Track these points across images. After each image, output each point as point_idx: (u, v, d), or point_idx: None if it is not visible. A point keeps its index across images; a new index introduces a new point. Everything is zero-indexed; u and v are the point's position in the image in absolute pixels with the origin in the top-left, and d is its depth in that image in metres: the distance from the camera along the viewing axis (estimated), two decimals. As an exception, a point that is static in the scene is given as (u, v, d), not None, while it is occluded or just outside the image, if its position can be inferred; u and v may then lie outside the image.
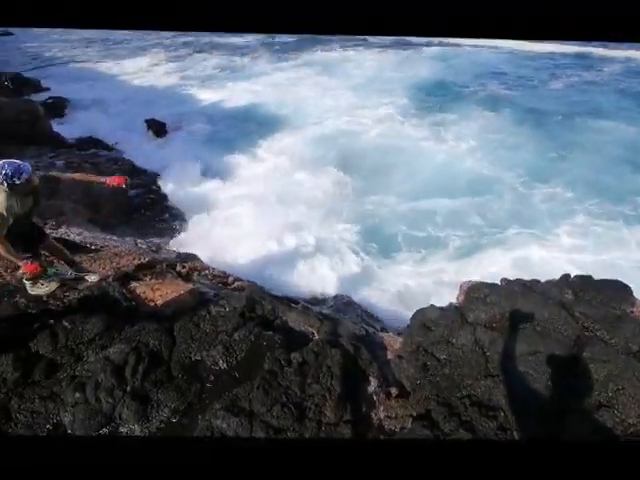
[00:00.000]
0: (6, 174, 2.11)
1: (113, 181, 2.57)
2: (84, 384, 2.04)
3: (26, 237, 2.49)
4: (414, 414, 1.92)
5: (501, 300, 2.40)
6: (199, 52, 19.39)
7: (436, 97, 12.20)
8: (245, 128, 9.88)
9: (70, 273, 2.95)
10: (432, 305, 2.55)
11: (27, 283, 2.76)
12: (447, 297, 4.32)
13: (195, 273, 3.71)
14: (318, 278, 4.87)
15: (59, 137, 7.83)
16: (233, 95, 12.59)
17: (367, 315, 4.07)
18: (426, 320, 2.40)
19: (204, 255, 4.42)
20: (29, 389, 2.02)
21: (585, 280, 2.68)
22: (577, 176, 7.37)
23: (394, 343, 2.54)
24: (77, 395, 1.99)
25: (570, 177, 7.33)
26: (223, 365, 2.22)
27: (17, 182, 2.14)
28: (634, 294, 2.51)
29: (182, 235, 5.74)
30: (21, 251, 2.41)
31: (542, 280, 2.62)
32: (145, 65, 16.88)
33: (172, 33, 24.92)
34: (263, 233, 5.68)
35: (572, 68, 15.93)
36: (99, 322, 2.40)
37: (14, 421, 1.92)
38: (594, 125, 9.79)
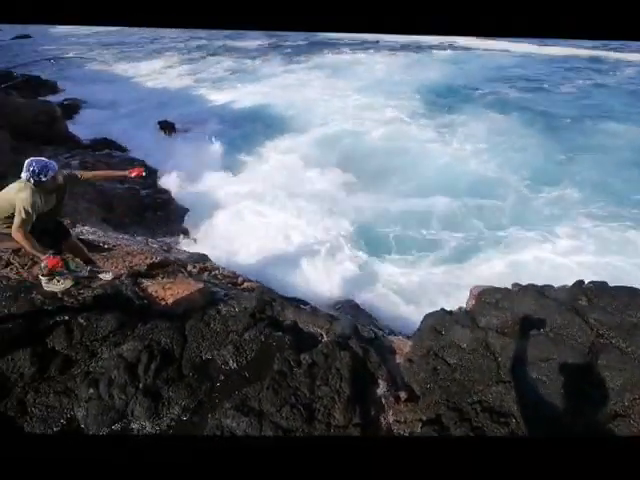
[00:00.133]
0: (33, 171, 2.19)
1: (133, 172, 2.70)
2: (98, 380, 2.08)
3: (50, 234, 2.56)
4: (424, 419, 1.91)
5: (513, 305, 2.37)
6: (212, 55, 19.76)
7: (445, 99, 12.17)
8: (254, 128, 10.03)
9: (85, 271, 3.03)
10: (442, 309, 2.53)
11: (43, 279, 2.83)
12: (447, 299, 4.38)
13: (205, 273, 3.76)
14: (321, 279, 4.89)
15: (74, 138, 8.03)
16: (243, 96, 12.80)
17: (374, 317, 4.06)
18: (436, 324, 2.38)
19: (212, 254, 4.48)
20: (44, 384, 2.07)
21: (599, 286, 2.63)
22: (584, 179, 7.29)
23: (403, 346, 2.53)
24: (91, 391, 2.03)
25: (577, 180, 7.26)
26: (233, 365, 2.24)
27: (43, 179, 2.21)
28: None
29: (191, 234, 5.83)
30: (46, 247, 2.48)
31: (554, 285, 2.58)
32: (159, 67, 17.31)
33: (186, 36, 25.46)
34: (267, 232, 5.76)
35: (585, 71, 15.71)
36: (113, 319, 2.45)
37: (29, 415, 1.97)
38: (605, 128, 9.67)
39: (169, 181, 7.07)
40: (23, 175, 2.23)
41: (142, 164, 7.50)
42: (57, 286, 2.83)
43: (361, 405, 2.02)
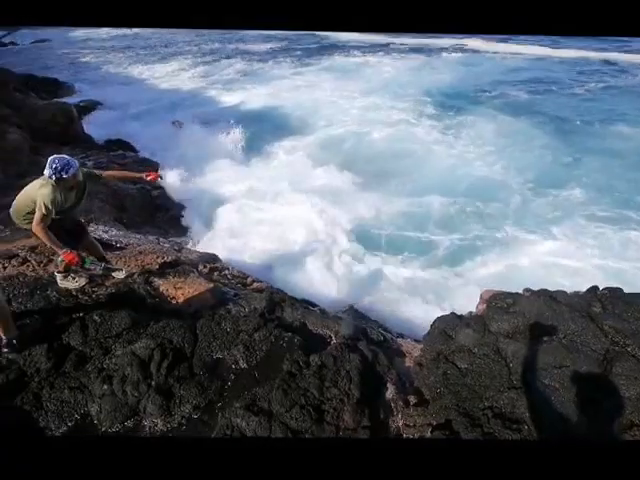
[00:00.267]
0: (55, 168, 2.26)
1: (149, 176, 2.78)
2: (111, 377, 2.12)
3: (69, 232, 2.63)
4: (434, 423, 1.89)
5: (525, 310, 2.33)
6: (224, 58, 20.10)
7: (453, 102, 12.14)
8: (262, 128, 10.19)
9: (100, 268, 3.10)
10: (452, 313, 2.51)
11: (58, 276, 2.91)
12: (449, 301, 4.36)
13: (215, 273, 3.80)
14: (324, 280, 4.90)
15: (90, 138, 8.23)
16: (252, 97, 13.02)
17: (381, 320, 4.04)
18: (447, 328, 2.36)
19: (220, 254, 4.53)
20: (60, 379, 2.12)
21: (614, 293, 2.57)
22: (590, 181, 7.22)
23: (412, 350, 2.51)
24: (105, 387, 2.08)
25: (583, 182, 7.19)
26: (243, 364, 2.26)
27: (64, 176, 2.28)
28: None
29: (200, 234, 5.90)
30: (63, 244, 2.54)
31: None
32: (172, 70, 17.70)
33: (199, 40, 25.96)
34: (270, 232, 5.82)
35: (597, 74, 15.45)
36: (126, 317, 2.49)
37: (44, 409, 2.02)
38: (615, 130, 9.55)
39: (177, 180, 7.19)
40: (46, 172, 2.30)
41: (154, 165, 7.65)
42: (72, 283, 2.90)
43: (370, 408, 2.02)
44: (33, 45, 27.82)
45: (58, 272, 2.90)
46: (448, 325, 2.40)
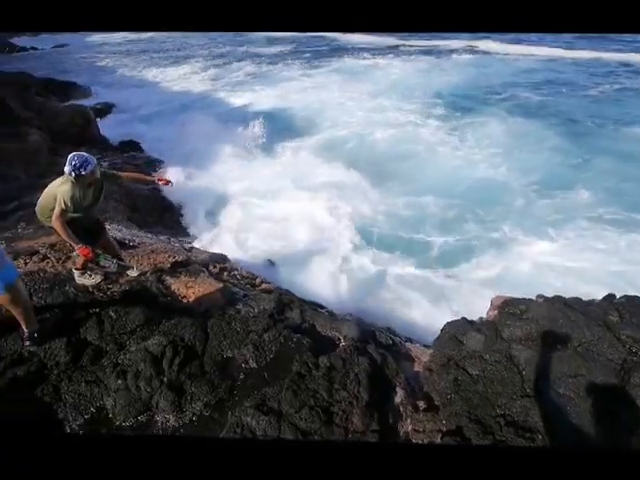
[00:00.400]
0: (74, 165, 2.35)
1: (161, 180, 2.88)
2: (126, 372, 2.18)
3: (88, 230, 2.73)
4: (444, 429, 1.88)
5: (538, 317, 2.29)
6: (235, 61, 20.46)
7: (462, 103, 12.06)
8: (269, 128, 10.29)
9: (114, 266, 3.19)
10: (463, 318, 2.49)
11: (76, 273, 3.01)
12: (452, 302, 4.32)
13: (225, 273, 3.85)
14: (328, 282, 4.92)
15: (105, 140, 8.47)
16: (261, 99, 13.22)
17: (388, 323, 4.02)
18: (457, 333, 2.34)
19: (226, 253, 4.59)
20: (77, 372, 2.19)
21: (632, 301, 2.50)
22: (599, 184, 7.05)
23: (421, 355, 2.50)
24: (119, 382, 2.13)
25: (591, 184, 7.03)
26: (253, 364, 2.28)
27: (83, 173, 2.37)
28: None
29: (206, 233, 5.98)
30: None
31: (584, 298, 2.48)
32: (184, 73, 18.14)
33: (211, 44, 26.47)
34: (275, 230, 5.87)
35: (612, 76, 15.07)
36: (140, 314, 2.56)
37: (63, 401, 2.08)
38: (628, 133, 9.32)
39: (184, 180, 7.31)
40: (66, 169, 2.39)
41: (165, 165, 7.81)
42: (88, 280, 2.99)
43: (379, 412, 2.01)
44: (53, 50, 28.87)
45: (76, 269, 3.00)
46: (458, 330, 2.38)
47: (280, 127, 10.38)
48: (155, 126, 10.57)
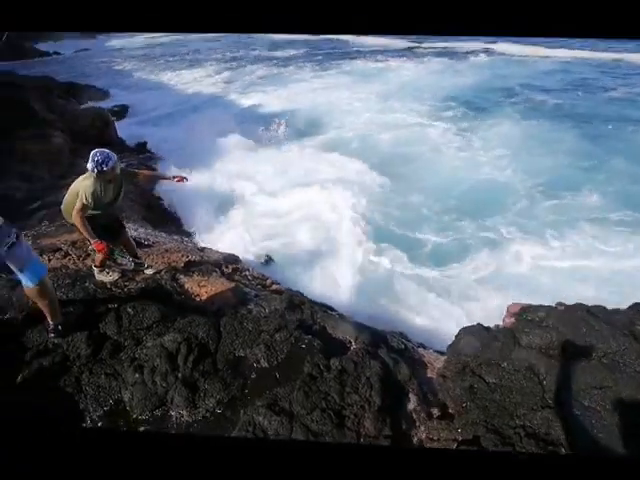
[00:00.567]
0: (97, 161, 2.44)
1: (177, 178, 2.96)
2: (142, 367, 2.24)
3: (107, 228, 2.82)
4: (459, 439, 1.84)
5: (560, 325, 2.22)
6: (249, 64, 20.82)
7: (475, 105, 11.89)
8: (277, 129, 10.39)
9: (131, 264, 3.28)
10: (479, 324, 2.44)
11: (95, 270, 3.11)
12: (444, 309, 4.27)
13: (236, 273, 3.90)
14: (334, 281, 4.91)
15: (123, 141, 8.73)
16: (271, 100, 13.39)
17: (398, 327, 3.98)
18: (473, 339, 2.30)
19: (232, 250, 4.65)
20: (97, 365, 2.26)
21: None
22: (608, 186, 6.83)
23: (434, 361, 2.46)
24: (136, 376, 2.19)
25: (599, 186, 6.80)
26: (265, 364, 2.31)
27: (105, 168, 2.46)
28: None
29: (211, 233, 6.06)
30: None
31: (608, 307, 2.38)
32: (199, 76, 18.58)
33: (225, 48, 27.02)
34: (278, 229, 5.91)
35: (635, 77, 14.55)
36: (156, 311, 2.62)
37: (83, 393, 2.16)
38: None
39: (194, 180, 7.43)
40: (88, 165, 2.49)
41: (175, 166, 7.99)
42: (106, 277, 3.09)
43: (392, 417, 1.99)
44: (75, 54, 29.99)
45: (95, 266, 3.10)
46: (474, 337, 2.33)
47: (289, 128, 10.48)
48: (167, 127, 10.87)
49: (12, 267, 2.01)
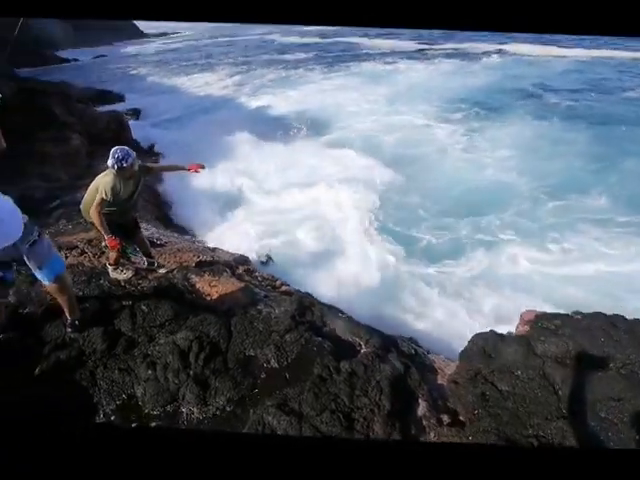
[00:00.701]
0: (117, 157, 2.52)
1: (192, 167, 3.02)
2: (155, 363, 2.28)
3: (122, 227, 2.89)
4: (470, 445, 1.80)
5: (576, 334, 2.16)
6: (259, 67, 21.15)
7: (485, 106, 11.80)
8: (285, 129, 10.51)
9: (144, 262, 3.36)
10: (492, 330, 2.40)
11: (109, 267, 3.19)
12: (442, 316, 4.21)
13: (246, 274, 3.94)
14: (339, 282, 4.89)
15: (137, 143, 8.95)
16: (279, 102, 13.58)
17: (406, 331, 3.94)
18: (486, 346, 2.26)
19: (238, 251, 4.68)
20: (111, 360, 2.31)
21: (682, 323, 2.32)
22: (618, 188, 6.65)
23: (445, 367, 2.43)
24: (149, 372, 2.23)
25: (609, 189, 6.64)
26: (275, 364, 2.32)
27: (124, 165, 2.54)
28: None
29: (213, 232, 6.11)
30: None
31: (627, 317, 2.32)
32: (211, 80, 18.91)
33: (237, 52, 27.54)
34: (281, 230, 5.92)
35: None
36: (169, 309, 2.67)
37: (98, 387, 2.21)
38: None
39: (210, 180, 7.54)
40: (109, 162, 2.58)
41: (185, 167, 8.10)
42: (120, 275, 3.17)
43: (401, 422, 1.97)
44: (92, 61, 31.05)
45: (109, 264, 3.18)
46: (487, 343, 2.29)
47: (296, 129, 10.59)
48: (177, 129, 11.11)
49: (30, 264, 2.06)
